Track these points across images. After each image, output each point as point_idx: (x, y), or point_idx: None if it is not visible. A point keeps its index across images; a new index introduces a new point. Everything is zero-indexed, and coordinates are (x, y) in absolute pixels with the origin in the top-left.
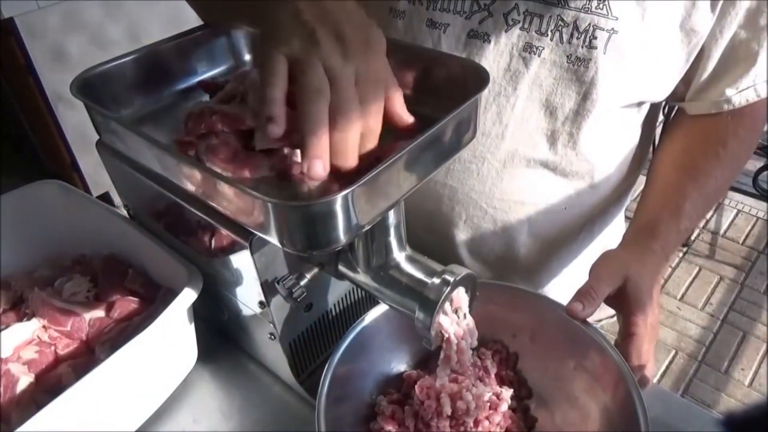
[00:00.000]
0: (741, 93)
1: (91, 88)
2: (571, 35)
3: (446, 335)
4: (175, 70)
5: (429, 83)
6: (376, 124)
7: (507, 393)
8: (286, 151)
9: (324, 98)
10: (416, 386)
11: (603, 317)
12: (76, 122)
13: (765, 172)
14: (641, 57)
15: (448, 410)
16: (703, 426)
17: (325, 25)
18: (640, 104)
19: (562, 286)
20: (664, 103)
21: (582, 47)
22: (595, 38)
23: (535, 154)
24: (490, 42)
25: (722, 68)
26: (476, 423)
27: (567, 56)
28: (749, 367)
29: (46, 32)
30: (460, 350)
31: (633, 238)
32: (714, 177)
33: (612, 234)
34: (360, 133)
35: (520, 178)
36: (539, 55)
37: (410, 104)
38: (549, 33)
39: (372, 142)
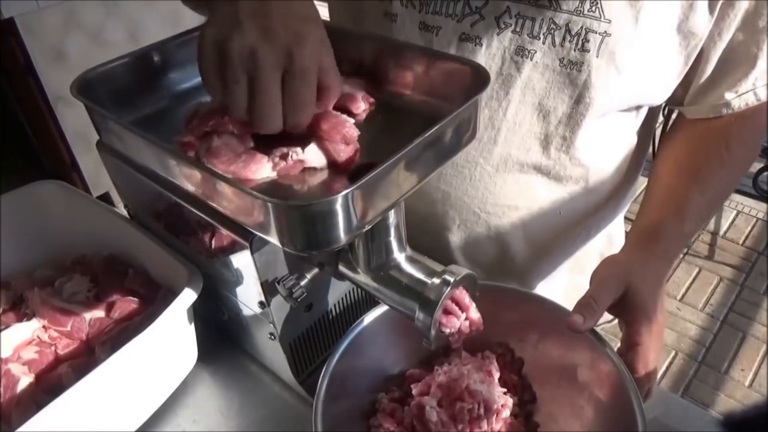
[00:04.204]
0: (740, 97)
1: (91, 88)
2: (563, 38)
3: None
4: (175, 70)
5: (429, 83)
6: (302, 117)
7: (510, 401)
8: (286, 150)
9: (240, 87)
10: (414, 389)
11: (602, 321)
12: (76, 122)
13: (765, 173)
14: (636, 60)
15: (443, 417)
16: (703, 426)
17: (254, 20)
18: (637, 108)
19: (555, 288)
20: (663, 106)
21: (574, 50)
22: (588, 41)
23: (529, 158)
24: (481, 45)
25: (721, 71)
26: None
27: (559, 59)
28: (749, 368)
29: (46, 32)
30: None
31: (635, 241)
32: (717, 179)
33: (609, 238)
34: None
35: (513, 182)
36: (531, 59)
37: (411, 104)
38: (541, 36)
39: (301, 126)
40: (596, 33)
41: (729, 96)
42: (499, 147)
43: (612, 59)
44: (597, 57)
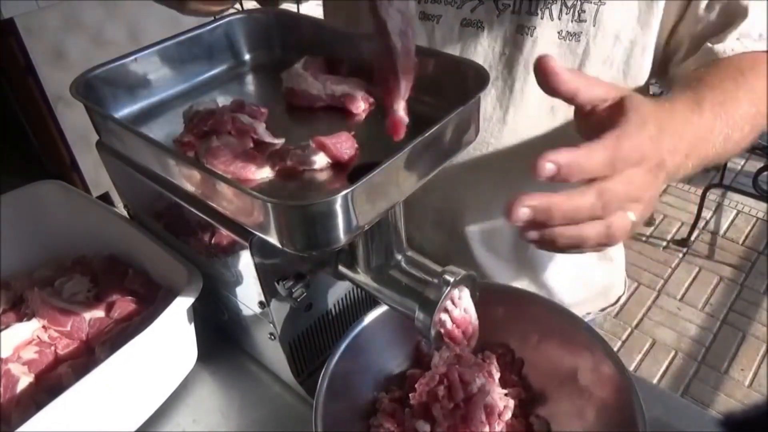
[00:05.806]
0: (741, 41)
1: (91, 88)
2: (560, 11)
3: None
4: (175, 70)
5: (429, 83)
6: None
7: (510, 402)
8: (285, 151)
9: None
10: (410, 396)
11: (593, 310)
12: (76, 122)
13: (765, 173)
14: (631, 26)
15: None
16: (703, 426)
17: None
18: (638, 70)
19: (568, 276)
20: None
21: (572, 21)
22: (584, 11)
23: (538, 131)
24: (483, 29)
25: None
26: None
27: (557, 32)
28: (749, 368)
29: (46, 32)
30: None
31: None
32: (737, 102)
33: None
34: None
35: (526, 160)
36: (531, 35)
37: (411, 104)
38: (539, 12)
39: None
40: (591, 3)
41: (719, 47)
42: (509, 126)
43: (608, 27)
44: (594, 26)
